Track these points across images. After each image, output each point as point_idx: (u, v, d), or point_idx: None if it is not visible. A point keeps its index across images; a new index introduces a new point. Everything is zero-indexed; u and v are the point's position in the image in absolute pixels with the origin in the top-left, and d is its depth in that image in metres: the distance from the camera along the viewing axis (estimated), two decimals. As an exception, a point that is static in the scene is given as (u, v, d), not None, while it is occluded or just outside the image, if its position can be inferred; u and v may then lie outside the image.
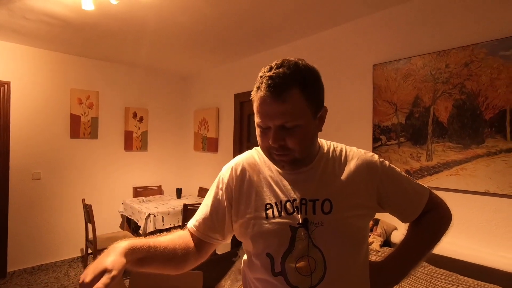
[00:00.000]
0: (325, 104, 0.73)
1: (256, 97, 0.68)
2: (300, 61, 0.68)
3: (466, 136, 1.74)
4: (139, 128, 3.96)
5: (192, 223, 0.81)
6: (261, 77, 0.67)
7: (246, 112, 3.46)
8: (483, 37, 1.69)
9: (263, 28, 2.57)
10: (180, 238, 0.76)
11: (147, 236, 0.71)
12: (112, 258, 0.57)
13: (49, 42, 3.01)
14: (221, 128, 3.77)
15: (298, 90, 0.64)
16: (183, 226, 2.82)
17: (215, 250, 3.14)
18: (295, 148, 0.67)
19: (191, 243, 0.77)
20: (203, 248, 0.79)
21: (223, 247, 3.39)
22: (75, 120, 3.42)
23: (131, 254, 0.62)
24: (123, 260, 0.59)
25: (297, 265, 0.67)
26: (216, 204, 0.79)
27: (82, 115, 3.47)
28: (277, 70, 0.65)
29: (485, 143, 1.67)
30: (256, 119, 0.70)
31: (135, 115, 3.91)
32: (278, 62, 0.67)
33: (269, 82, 0.64)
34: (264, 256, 0.70)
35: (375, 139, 2.17)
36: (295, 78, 0.64)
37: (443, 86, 1.83)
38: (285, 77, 0.64)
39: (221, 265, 2.16)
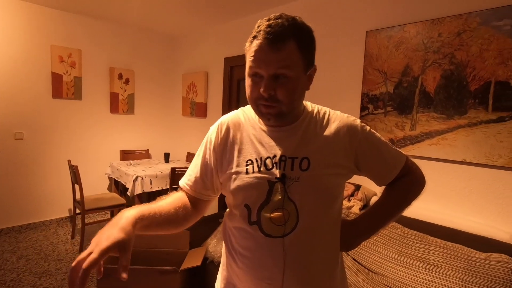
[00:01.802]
0: (316, 70, 0.76)
1: (251, 46, 0.69)
2: (297, 17, 0.70)
3: (451, 107, 1.78)
4: (125, 90, 3.85)
5: (184, 181, 0.84)
6: (258, 26, 0.68)
7: (236, 77, 3.39)
8: (478, 5, 1.67)
9: (255, -13, 2.44)
10: (179, 200, 0.80)
11: (151, 202, 0.75)
12: (115, 232, 0.58)
13: (24, -9, 2.78)
14: (210, 93, 3.71)
15: (294, 42, 0.67)
16: (171, 188, 2.87)
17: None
18: (283, 100, 0.69)
19: (188, 202, 0.81)
20: (199, 205, 0.83)
21: (209, 209, 3.48)
22: (56, 79, 3.27)
23: (140, 221, 0.65)
24: (127, 231, 0.60)
25: (272, 215, 0.72)
26: (205, 164, 0.82)
27: (64, 74, 3.32)
28: (276, 20, 0.67)
29: (468, 114, 1.72)
30: (248, 67, 0.71)
31: (120, 76, 3.77)
32: (276, 14, 0.69)
33: (268, 29, 0.66)
34: (242, 207, 0.75)
35: (363, 108, 2.19)
36: (293, 30, 0.67)
37: (434, 56, 1.83)
38: (283, 27, 0.66)
39: (208, 225, 2.24)
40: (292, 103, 0.71)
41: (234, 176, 0.76)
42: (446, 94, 1.79)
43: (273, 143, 0.75)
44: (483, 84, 1.66)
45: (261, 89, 0.68)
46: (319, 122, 0.78)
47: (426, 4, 1.88)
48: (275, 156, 0.74)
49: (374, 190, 2.09)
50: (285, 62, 0.66)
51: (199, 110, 3.83)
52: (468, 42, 1.70)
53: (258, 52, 0.67)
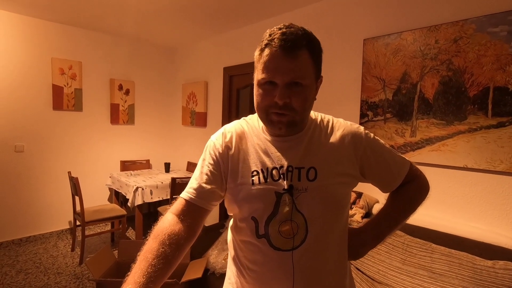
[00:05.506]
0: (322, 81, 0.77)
1: (263, 54, 0.68)
2: (305, 28, 0.71)
3: (450, 112, 1.78)
4: (125, 101, 3.86)
5: (190, 192, 0.76)
6: (270, 35, 0.68)
7: (235, 86, 3.41)
8: (473, 12, 1.68)
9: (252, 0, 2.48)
10: (167, 239, 0.68)
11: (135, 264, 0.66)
12: None
13: (27, 7, 2.82)
14: (210, 102, 3.72)
15: (307, 51, 0.67)
16: (171, 198, 2.85)
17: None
18: (297, 108, 0.68)
19: (178, 228, 0.71)
20: (199, 217, 0.75)
21: (210, 219, 3.46)
22: (57, 91, 3.29)
23: None
24: None
25: (280, 228, 0.70)
26: (209, 172, 0.76)
27: (65, 86, 3.35)
28: (289, 29, 0.67)
29: (467, 120, 1.71)
30: (261, 76, 0.69)
31: (120, 87, 3.80)
32: (286, 24, 0.69)
33: (283, 37, 0.65)
34: (249, 220, 0.73)
35: (362, 115, 2.19)
36: (306, 39, 0.67)
37: (431, 62, 1.84)
38: (298, 36, 0.66)
39: (209, 235, 2.22)
40: (305, 112, 0.71)
41: (239, 187, 0.74)
42: (445, 100, 1.79)
43: (278, 154, 0.74)
44: (482, 90, 1.66)
45: (276, 97, 0.67)
46: (323, 131, 0.77)
47: (422, 11, 1.90)
48: (281, 167, 0.72)
49: (376, 197, 2.07)
50: (300, 70, 0.66)
51: (199, 120, 3.83)
52: (465, 49, 1.71)
53: (272, 60, 0.66)
